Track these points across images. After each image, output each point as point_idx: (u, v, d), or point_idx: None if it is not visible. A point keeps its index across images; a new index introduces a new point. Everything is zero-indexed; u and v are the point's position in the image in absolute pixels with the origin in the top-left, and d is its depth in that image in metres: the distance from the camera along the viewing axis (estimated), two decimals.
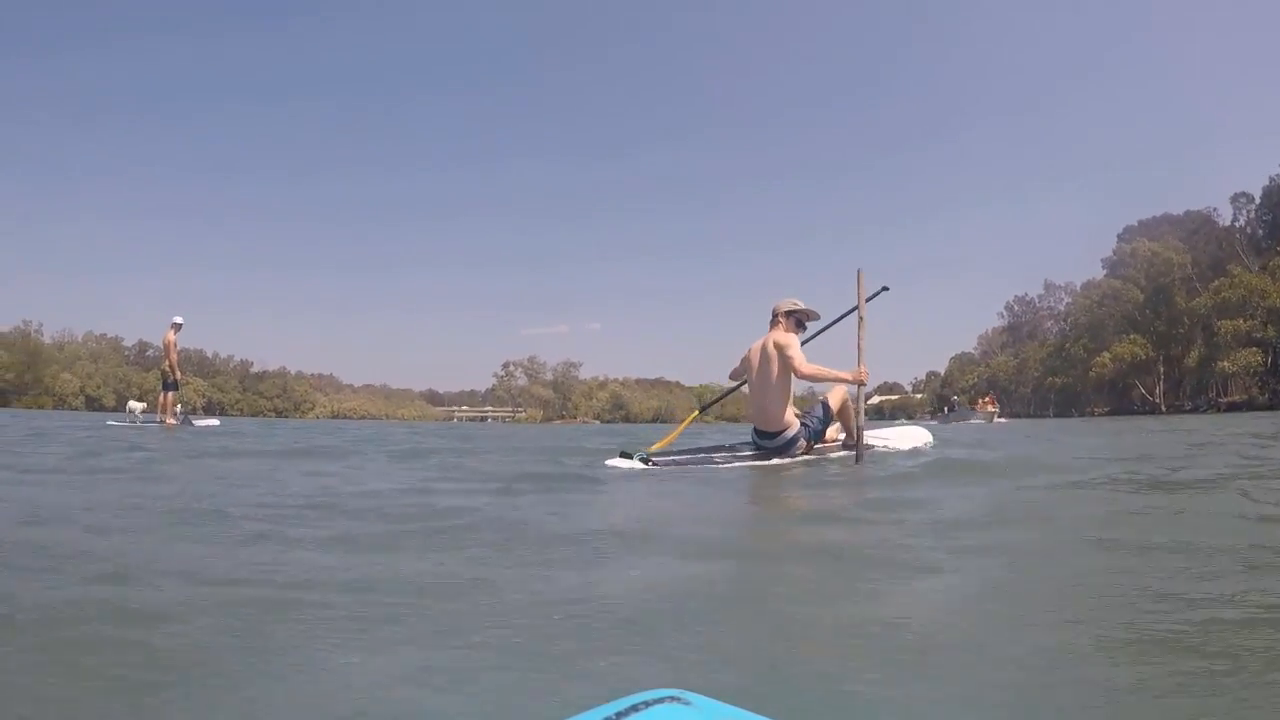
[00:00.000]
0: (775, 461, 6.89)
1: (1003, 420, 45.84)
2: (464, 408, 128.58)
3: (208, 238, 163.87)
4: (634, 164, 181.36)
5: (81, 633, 1.76)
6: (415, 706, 1.40)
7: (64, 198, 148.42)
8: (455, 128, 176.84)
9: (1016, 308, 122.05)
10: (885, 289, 7.74)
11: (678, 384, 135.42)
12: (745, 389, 7.48)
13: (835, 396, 7.29)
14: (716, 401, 10.12)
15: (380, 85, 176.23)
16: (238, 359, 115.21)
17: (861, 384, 7.02)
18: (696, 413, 9.33)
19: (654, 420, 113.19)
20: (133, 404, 20.97)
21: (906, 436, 8.69)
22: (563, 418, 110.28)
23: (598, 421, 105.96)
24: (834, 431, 7.62)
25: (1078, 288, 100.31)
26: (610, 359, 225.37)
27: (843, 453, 7.37)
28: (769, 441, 7.04)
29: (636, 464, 6.30)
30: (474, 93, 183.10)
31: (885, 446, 8.01)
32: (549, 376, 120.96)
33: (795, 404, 7.21)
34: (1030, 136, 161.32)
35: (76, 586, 2.17)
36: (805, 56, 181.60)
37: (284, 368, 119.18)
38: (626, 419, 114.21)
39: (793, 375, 6.91)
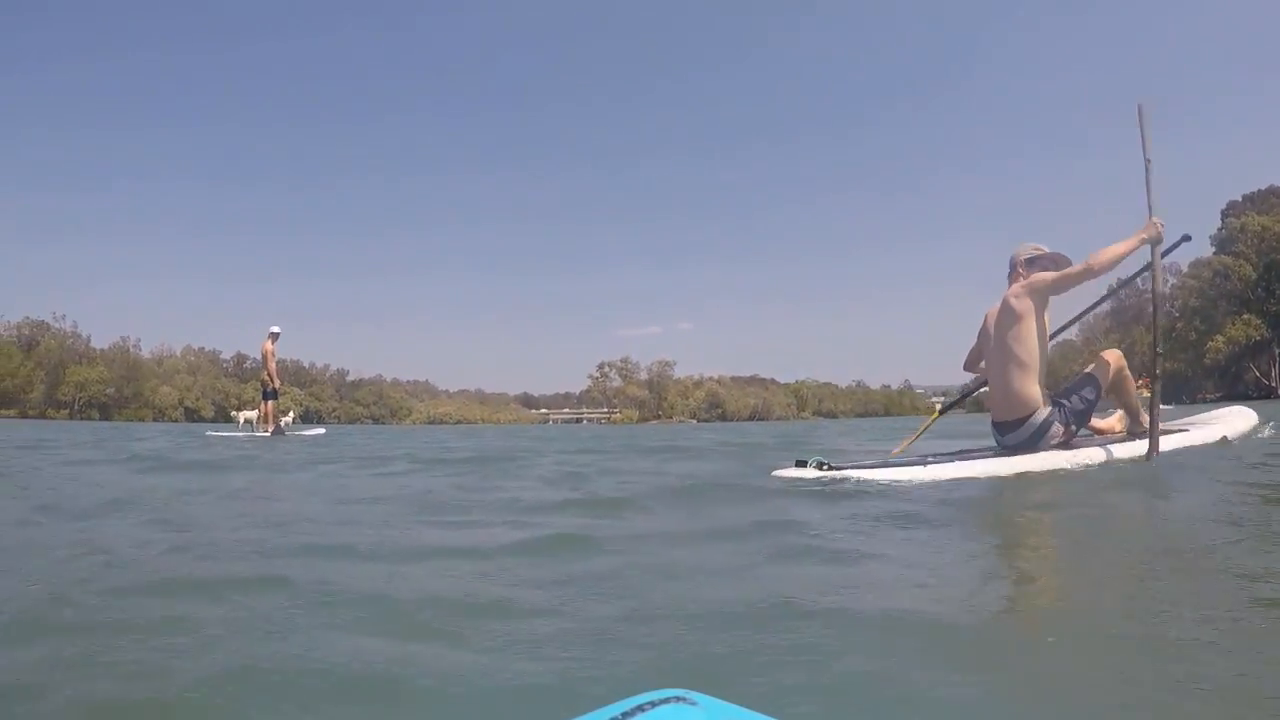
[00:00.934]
0: (1014, 462, 4.77)
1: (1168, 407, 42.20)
2: (560, 410, 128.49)
3: (304, 248, 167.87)
4: (730, 164, 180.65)
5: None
6: None
7: (152, 209, 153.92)
8: (556, 132, 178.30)
9: (1121, 291, 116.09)
10: (1187, 238, 5.99)
11: (773, 380, 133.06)
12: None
13: (1107, 361, 5.39)
14: (961, 401, 7.65)
15: (489, 91, 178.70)
16: (334, 368, 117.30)
17: (1158, 241, 5.16)
18: (937, 413, 7.11)
19: (750, 418, 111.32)
20: (245, 414, 21.02)
21: (1224, 421, 6.47)
22: (658, 417, 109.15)
23: (694, 421, 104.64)
24: (1111, 422, 5.79)
25: (1183, 268, 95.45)
26: (703, 358, 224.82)
27: (1123, 444, 5.22)
28: (1011, 435, 5.11)
29: (811, 472, 4.56)
30: (594, 97, 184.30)
31: (1190, 437, 5.83)
32: (643, 376, 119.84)
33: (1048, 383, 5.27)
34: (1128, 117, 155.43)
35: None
36: (898, 54, 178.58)
37: (379, 375, 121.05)
38: (723, 417, 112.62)
39: (1039, 341, 5.11)
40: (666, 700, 0.67)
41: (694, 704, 0.67)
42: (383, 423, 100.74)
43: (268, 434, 18.37)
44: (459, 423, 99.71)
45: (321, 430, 20.92)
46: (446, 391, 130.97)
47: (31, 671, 1.49)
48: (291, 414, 19.36)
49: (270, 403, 19.19)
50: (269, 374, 19.18)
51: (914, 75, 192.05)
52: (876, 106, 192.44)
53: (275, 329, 19.35)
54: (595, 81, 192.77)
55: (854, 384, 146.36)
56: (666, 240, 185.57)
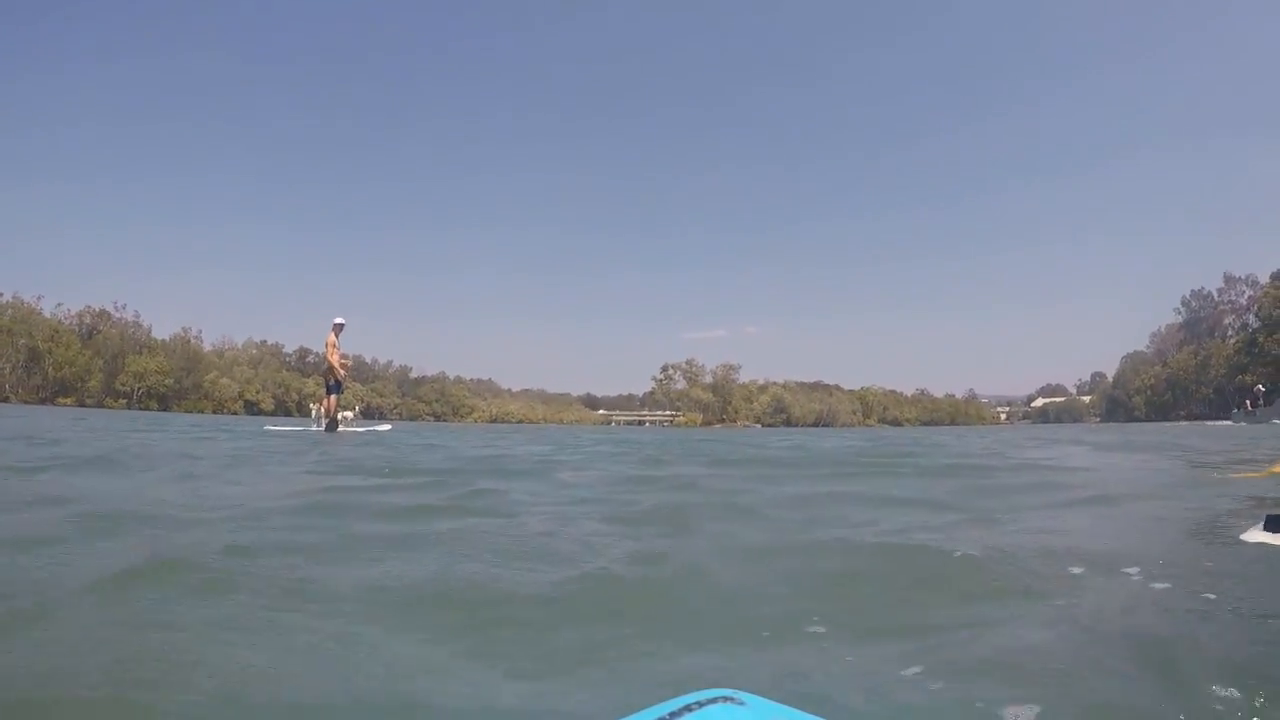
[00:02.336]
0: None
1: None
2: (623, 412, 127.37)
3: (371, 242, 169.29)
4: (795, 172, 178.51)
5: None
6: None
7: (218, 201, 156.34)
8: (627, 132, 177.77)
9: (1194, 303, 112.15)
10: None
11: (837, 387, 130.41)
12: None
13: None
14: None
15: (556, 88, 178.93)
16: (397, 364, 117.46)
17: None
18: None
19: (815, 424, 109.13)
20: (315, 406, 19.89)
21: None
22: (722, 421, 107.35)
23: (759, 425, 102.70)
24: None
25: (1261, 280, 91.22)
26: (768, 363, 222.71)
27: None
28: None
29: None
30: (651, 100, 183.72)
31: None
32: (708, 380, 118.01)
33: None
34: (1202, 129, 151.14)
35: None
36: (950, 70, 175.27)
37: (443, 372, 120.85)
38: (788, 422, 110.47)
39: None
40: (714, 700, 0.68)
41: (742, 704, 0.69)
42: (444, 420, 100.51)
43: (322, 429, 17.46)
44: (520, 422, 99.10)
45: (387, 426, 19.77)
46: (509, 390, 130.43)
47: None
48: (353, 410, 18.14)
49: (333, 397, 18.20)
50: (332, 366, 18.18)
51: (974, 84, 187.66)
52: (938, 115, 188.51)
53: (339, 320, 18.39)
54: (670, 82, 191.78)
55: (918, 392, 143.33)
56: (733, 243, 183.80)
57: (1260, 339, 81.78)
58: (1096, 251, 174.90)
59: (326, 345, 18.27)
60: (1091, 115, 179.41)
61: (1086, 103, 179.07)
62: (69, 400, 75.77)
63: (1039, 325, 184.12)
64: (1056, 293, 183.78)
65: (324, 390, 18.62)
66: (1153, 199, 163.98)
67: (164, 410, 75.13)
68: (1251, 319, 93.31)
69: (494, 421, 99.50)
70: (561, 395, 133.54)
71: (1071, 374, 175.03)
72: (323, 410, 18.67)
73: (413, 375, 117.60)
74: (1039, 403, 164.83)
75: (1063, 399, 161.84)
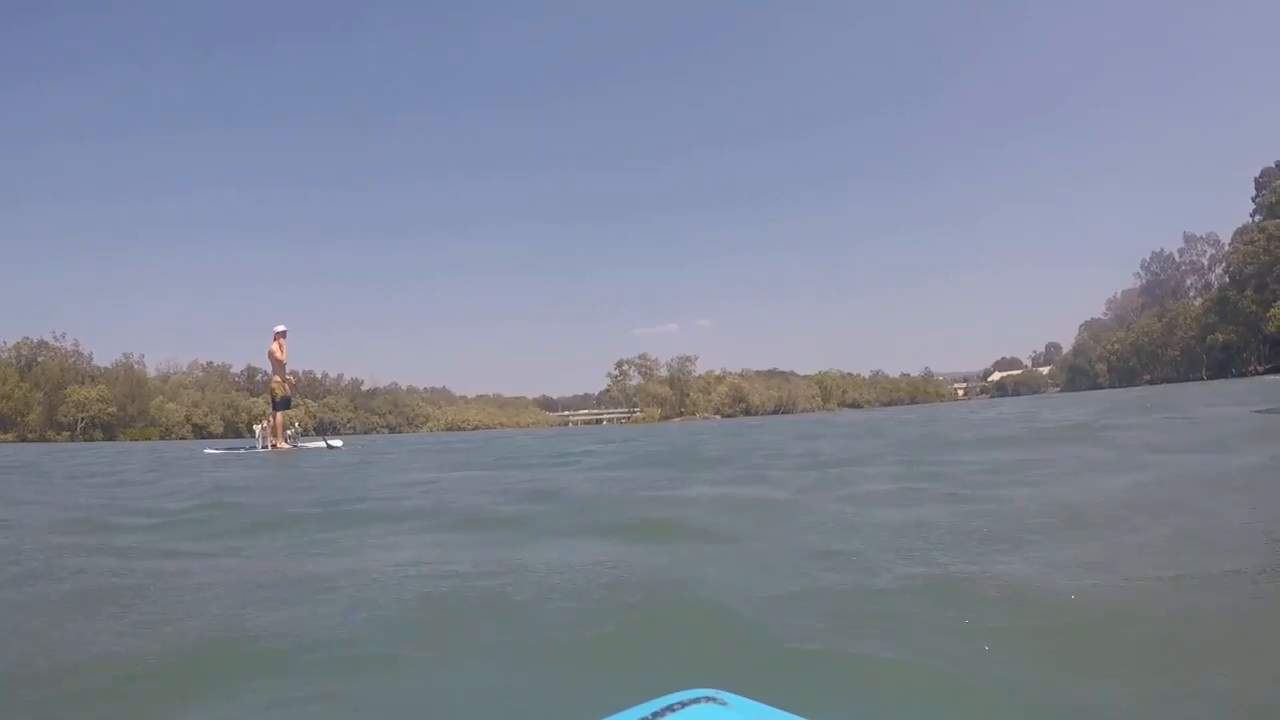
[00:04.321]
0: None
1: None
2: (579, 411, 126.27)
3: (314, 255, 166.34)
4: (735, 160, 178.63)
5: None
6: None
7: (155, 221, 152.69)
8: (560, 132, 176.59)
9: (1154, 266, 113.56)
10: None
11: (793, 373, 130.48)
12: None
13: None
14: None
15: (497, 91, 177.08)
16: (348, 378, 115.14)
17: None
18: None
19: (775, 411, 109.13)
20: (259, 426, 18.04)
21: None
22: (681, 415, 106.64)
23: (719, 417, 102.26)
24: None
25: (1223, 238, 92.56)
26: (723, 354, 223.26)
27: None
28: None
29: None
30: (602, 95, 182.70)
31: None
32: (664, 373, 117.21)
33: None
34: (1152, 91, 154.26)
35: None
36: (903, 51, 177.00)
37: (395, 383, 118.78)
38: (747, 411, 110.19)
39: None
40: (697, 700, 0.68)
41: (725, 704, 0.68)
42: (399, 432, 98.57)
43: (280, 448, 16.16)
44: (477, 428, 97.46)
45: (339, 442, 18.46)
46: (464, 397, 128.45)
47: None
48: (294, 427, 16.83)
49: (280, 414, 16.87)
50: (279, 380, 16.89)
51: (912, 60, 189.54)
52: (878, 94, 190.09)
53: (280, 327, 17.08)
54: (604, 79, 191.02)
55: (874, 373, 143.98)
56: (680, 237, 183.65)
57: (1230, 295, 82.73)
58: (1043, 222, 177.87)
59: (271, 355, 17.05)
60: (1023, 95, 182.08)
61: (1018, 83, 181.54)
62: (9, 436, 72.59)
63: (989, 299, 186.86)
64: (1005, 265, 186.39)
65: (270, 408, 17.36)
66: (1097, 168, 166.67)
67: (109, 440, 72.39)
68: (1215, 278, 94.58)
69: (450, 429, 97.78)
70: (517, 399, 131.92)
71: (1026, 346, 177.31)
72: (268, 428, 17.27)
73: (365, 388, 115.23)
74: (995, 376, 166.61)
75: (1019, 371, 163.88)
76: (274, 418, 16.85)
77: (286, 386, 17.14)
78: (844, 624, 1.81)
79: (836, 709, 1.33)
